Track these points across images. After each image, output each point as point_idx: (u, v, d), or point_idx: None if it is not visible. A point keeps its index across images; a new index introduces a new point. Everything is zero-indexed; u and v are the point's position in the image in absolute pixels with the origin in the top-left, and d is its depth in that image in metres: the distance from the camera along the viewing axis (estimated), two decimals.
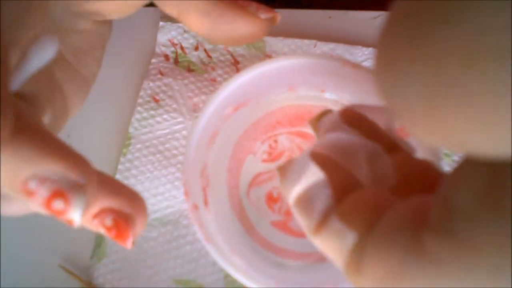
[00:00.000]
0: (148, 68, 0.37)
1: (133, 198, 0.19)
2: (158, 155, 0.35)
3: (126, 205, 0.18)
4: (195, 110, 0.36)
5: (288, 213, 0.32)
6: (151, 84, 0.36)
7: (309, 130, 0.33)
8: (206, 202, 0.30)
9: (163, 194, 0.34)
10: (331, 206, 0.15)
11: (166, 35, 0.38)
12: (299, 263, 0.31)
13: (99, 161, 0.36)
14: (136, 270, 0.33)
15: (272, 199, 0.33)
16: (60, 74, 0.24)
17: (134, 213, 0.19)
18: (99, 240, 0.34)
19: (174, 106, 0.36)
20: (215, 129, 0.31)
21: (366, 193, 0.15)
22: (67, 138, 0.36)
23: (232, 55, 0.37)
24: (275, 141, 0.34)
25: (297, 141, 0.34)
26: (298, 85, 0.32)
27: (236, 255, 0.29)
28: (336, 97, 0.33)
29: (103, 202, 0.18)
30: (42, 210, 0.17)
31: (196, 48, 0.37)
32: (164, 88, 0.36)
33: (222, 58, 0.37)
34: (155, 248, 0.33)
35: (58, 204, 0.17)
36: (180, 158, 0.35)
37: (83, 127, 0.36)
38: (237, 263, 0.28)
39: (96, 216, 0.18)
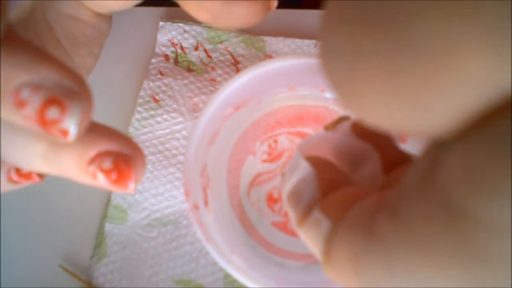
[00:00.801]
0: (148, 68, 0.37)
1: (130, 141, 0.18)
2: (158, 155, 0.35)
3: (125, 147, 0.17)
4: (195, 110, 0.36)
5: (288, 214, 0.32)
6: (151, 84, 0.36)
7: (309, 130, 0.33)
8: (206, 202, 0.30)
9: (163, 194, 0.34)
10: (316, 199, 0.15)
11: (166, 35, 0.38)
12: (299, 263, 0.31)
13: None
14: (136, 270, 0.33)
15: (272, 200, 0.33)
16: (51, 50, 0.24)
17: (134, 153, 0.17)
18: (99, 240, 0.34)
19: (174, 106, 0.36)
20: (215, 129, 0.31)
21: (350, 190, 0.15)
22: None
23: (232, 55, 0.37)
24: (275, 141, 0.34)
25: (297, 141, 0.34)
26: (298, 85, 0.32)
27: (236, 255, 0.29)
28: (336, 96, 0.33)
29: (100, 145, 0.17)
30: (31, 126, 0.15)
31: (196, 48, 0.37)
32: (164, 88, 0.36)
33: (222, 58, 0.37)
34: (155, 248, 0.33)
35: (52, 113, 0.15)
36: (180, 158, 0.35)
37: None
38: (237, 263, 0.28)
39: (92, 161, 0.17)
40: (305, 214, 0.15)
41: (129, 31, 0.39)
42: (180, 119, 0.36)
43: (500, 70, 0.08)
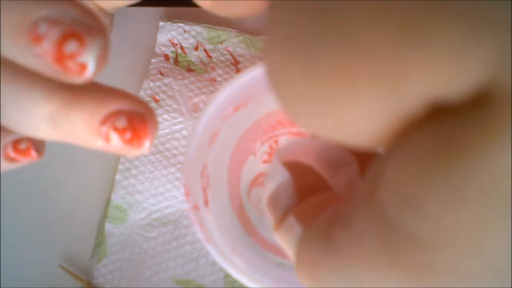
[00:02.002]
0: (148, 68, 0.37)
1: (141, 100, 0.17)
2: (158, 155, 0.35)
3: (138, 105, 0.16)
4: (195, 110, 0.36)
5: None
6: (151, 84, 0.36)
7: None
8: (206, 203, 0.30)
9: (163, 194, 0.34)
10: (292, 204, 0.16)
11: (166, 35, 0.38)
12: None
13: (99, 161, 0.36)
14: (136, 270, 0.33)
15: None
16: None
17: (148, 112, 0.16)
18: (99, 240, 0.34)
19: (174, 106, 0.36)
20: (215, 129, 0.31)
21: (325, 195, 0.16)
22: None
23: (232, 55, 0.37)
24: (276, 142, 0.34)
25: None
26: None
27: (236, 255, 0.29)
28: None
29: (112, 104, 0.16)
30: (46, 63, 0.15)
31: (196, 48, 0.37)
32: (164, 88, 0.36)
33: (222, 58, 0.37)
34: (155, 248, 0.33)
35: (71, 46, 0.14)
36: (180, 158, 0.35)
37: None
38: (237, 263, 0.28)
39: (105, 121, 0.16)
40: (281, 219, 0.16)
41: (129, 31, 0.39)
42: (180, 119, 0.36)
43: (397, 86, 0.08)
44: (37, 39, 0.14)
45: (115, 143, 0.16)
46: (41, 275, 0.33)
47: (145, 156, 0.35)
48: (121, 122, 0.16)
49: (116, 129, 0.16)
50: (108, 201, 0.34)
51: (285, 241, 0.15)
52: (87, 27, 0.15)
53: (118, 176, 0.34)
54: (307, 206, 0.15)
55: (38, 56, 0.15)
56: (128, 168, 0.35)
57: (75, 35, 0.14)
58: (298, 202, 0.16)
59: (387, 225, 0.10)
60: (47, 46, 0.14)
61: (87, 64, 0.15)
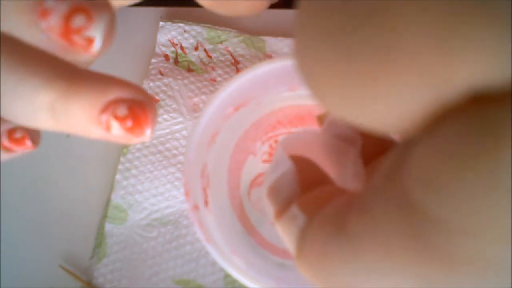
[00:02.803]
0: (148, 68, 0.37)
1: (141, 88, 0.16)
2: (158, 155, 0.35)
3: (138, 93, 0.16)
4: (195, 110, 0.36)
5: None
6: (151, 84, 0.36)
7: (309, 130, 0.33)
8: (206, 203, 0.30)
9: (163, 194, 0.34)
10: (295, 194, 0.16)
11: (166, 35, 0.38)
12: None
13: (99, 161, 0.36)
14: (136, 270, 0.33)
15: None
16: None
17: (148, 100, 0.16)
18: (99, 240, 0.34)
19: (174, 106, 0.36)
20: (215, 129, 0.31)
21: (328, 188, 0.15)
22: (67, 138, 0.36)
23: (232, 55, 0.37)
24: (276, 142, 0.34)
25: None
26: (298, 85, 0.32)
27: (236, 255, 0.29)
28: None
29: (112, 92, 0.16)
30: (52, 39, 0.15)
31: (196, 48, 0.37)
32: (164, 88, 0.36)
33: (222, 58, 0.37)
34: (155, 248, 0.33)
35: (78, 21, 0.14)
36: (180, 158, 0.35)
37: None
38: (237, 263, 0.28)
39: (105, 109, 0.15)
40: (283, 208, 0.15)
41: (129, 31, 0.39)
42: (180, 119, 0.36)
43: (445, 73, 0.08)
44: (44, 13, 0.14)
45: (116, 131, 0.16)
46: (41, 275, 0.33)
47: (145, 156, 0.35)
48: (122, 110, 0.15)
49: (116, 118, 0.15)
50: (108, 201, 0.34)
51: (286, 231, 0.15)
52: (94, 2, 0.15)
53: (118, 176, 0.34)
54: (312, 197, 0.15)
55: (45, 31, 0.14)
56: (128, 168, 0.35)
57: (83, 10, 0.14)
58: (301, 192, 0.16)
59: (412, 211, 0.09)
60: (54, 21, 0.14)
61: (94, 38, 0.15)
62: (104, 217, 0.34)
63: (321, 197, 0.15)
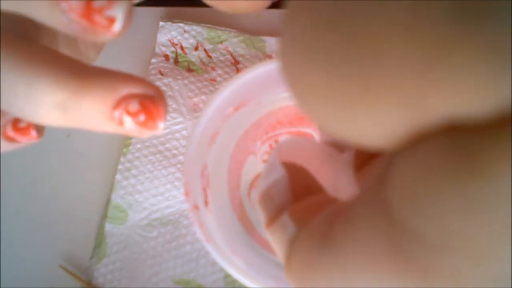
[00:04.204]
0: (148, 68, 0.37)
1: (151, 83, 0.17)
2: (158, 155, 0.35)
3: (148, 88, 0.16)
4: (195, 110, 0.36)
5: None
6: None
7: (310, 130, 0.33)
8: (206, 203, 0.30)
9: (163, 194, 0.34)
10: (287, 203, 0.16)
11: (166, 35, 0.38)
12: None
13: (99, 161, 0.36)
14: (136, 270, 0.33)
15: None
16: (60, 34, 0.23)
17: (158, 94, 0.16)
18: (99, 240, 0.34)
19: (174, 106, 0.36)
20: (215, 129, 0.31)
21: (321, 198, 0.15)
22: (67, 138, 0.36)
23: (232, 55, 0.37)
24: (276, 141, 0.34)
25: None
26: None
27: (236, 255, 0.29)
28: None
29: (123, 88, 0.16)
30: (73, 19, 0.15)
31: (196, 48, 0.37)
32: (164, 88, 0.36)
33: (222, 58, 0.37)
34: (155, 248, 0.33)
35: (100, 1, 0.15)
36: (180, 158, 0.35)
37: None
38: (237, 263, 0.28)
39: (117, 105, 0.16)
40: (274, 216, 0.15)
41: (129, 31, 0.38)
42: (180, 119, 0.36)
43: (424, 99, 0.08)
44: None
45: (129, 126, 0.16)
46: (41, 275, 0.33)
47: (145, 156, 0.35)
48: (134, 106, 0.16)
49: (129, 113, 0.16)
50: (108, 201, 0.34)
51: (276, 240, 0.15)
52: None
53: (118, 176, 0.34)
54: (303, 206, 0.15)
55: (66, 12, 0.15)
56: (128, 168, 0.35)
57: None
58: (293, 201, 0.16)
59: (393, 224, 0.10)
60: (75, 1, 0.14)
61: (116, 17, 0.15)
62: (104, 217, 0.34)
63: (312, 206, 0.15)
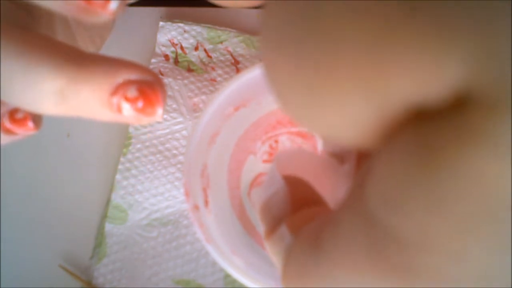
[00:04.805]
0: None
1: (149, 69, 0.16)
2: (158, 155, 0.35)
3: (146, 74, 0.16)
4: (195, 110, 0.36)
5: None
6: None
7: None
8: (206, 203, 0.30)
9: (163, 194, 0.34)
10: (285, 214, 0.16)
11: (166, 35, 0.38)
12: None
13: (99, 161, 0.36)
14: (136, 270, 0.33)
15: None
16: (60, 25, 0.23)
17: (156, 80, 0.16)
18: (99, 240, 0.34)
19: (174, 106, 0.36)
20: (215, 129, 0.31)
21: (319, 209, 0.16)
22: (67, 138, 0.36)
23: (232, 55, 0.37)
24: (276, 141, 0.34)
25: (298, 141, 0.34)
26: None
27: (236, 255, 0.29)
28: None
29: (121, 74, 0.16)
30: None
31: (196, 48, 0.37)
32: None
33: (222, 58, 0.37)
34: (155, 248, 0.33)
35: None
36: (180, 158, 0.35)
37: (83, 127, 0.36)
38: (237, 263, 0.28)
39: (115, 91, 0.15)
40: (273, 228, 0.16)
41: (129, 31, 0.38)
42: (180, 119, 0.36)
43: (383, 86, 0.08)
44: None
45: (128, 112, 0.16)
46: (41, 275, 0.33)
47: (145, 156, 0.35)
48: (132, 92, 0.16)
49: (127, 99, 0.15)
50: (108, 201, 0.34)
51: (274, 250, 0.15)
52: None
53: (118, 176, 0.34)
54: (300, 217, 0.15)
55: None
56: (128, 168, 0.35)
57: None
58: (291, 212, 0.16)
59: (372, 225, 0.10)
60: None
61: None
62: (104, 217, 0.34)
63: (311, 217, 0.15)
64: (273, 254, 0.15)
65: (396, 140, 0.09)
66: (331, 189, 0.18)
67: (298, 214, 0.15)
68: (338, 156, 0.18)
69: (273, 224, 0.16)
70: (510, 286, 0.09)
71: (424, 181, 0.08)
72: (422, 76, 0.08)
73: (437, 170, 0.08)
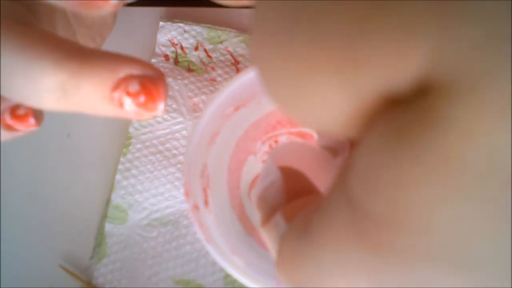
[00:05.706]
0: None
1: (150, 64, 0.16)
2: (158, 155, 0.35)
3: (148, 69, 0.16)
4: (195, 110, 0.36)
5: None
6: None
7: (309, 130, 0.33)
8: (206, 203, 0.30)
9: (163, 194, 0.34)
10: (280, 203, 0.16)
11: (166, 35, 0.38)
12: None
13: (99, 161, 0.36)
14: (136, 270, 0.33)
15: None
16: (60, 23, 0.23)
17: (158, 75, 0.16)
18: (99, 240, 0.34)
19: (174, 106, 0.36)
20: (215, 129, 0.31)
21: (314, 197, 0.16)
22: (67, 138, 0.36)
23: (232, 55, 0.37)
24: (276, 142, 0.34)
25: (299, 141, 0.34)
26: None
27: (236, 255, 0.29)
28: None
29: (122, 69, 0.16)
30: None
31: (196, 48, 0.37)
32: None
33: (222, 58, 0.37)
34: (155, 248, 0.33)
35: None
36: (180, 158, 0.35)
37: (83, 126, 0.36)
38: (237, 263, 0.28)
39: (117, 86, 0.15)
40: (268, 216, 0.16)
41: (129, 31, 0.39)
42: (180, 119, 0.36)
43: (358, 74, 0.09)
44: None
45: (129, 107, 0.16)
46: (41, 275, 0.33)
47: (145, 156, 0.35)
48: (134, 87, 0.15)
49: (129, 94, 0.15)
50: (108, 201, 0.34)
51: (269, 238, 0.16)
52: None
53: (118, 176, 0.34)
54: (294, 206, 0.16)
55: None
56: (128, 168, 0.35)
57: None
58: (287, 201, 0.16)
59: (354, 207, 0.10)
60: None
61: None
62: (104, 217, 0.34)
63: (304, 206, 0.15)
64: (269, 241, 0.16)
65: (373, 126, 0.10)
66: (325, 180, 0.19)
67: (292, 203, 0.16)
68: (332, 149, 0.18)
69: (269, 213, 0.16)
70: (491, 252, 0.09)
71: (392, 160, 0.09)
72: (390, 65, 0.09)
73: (403, 149, 0.09)
